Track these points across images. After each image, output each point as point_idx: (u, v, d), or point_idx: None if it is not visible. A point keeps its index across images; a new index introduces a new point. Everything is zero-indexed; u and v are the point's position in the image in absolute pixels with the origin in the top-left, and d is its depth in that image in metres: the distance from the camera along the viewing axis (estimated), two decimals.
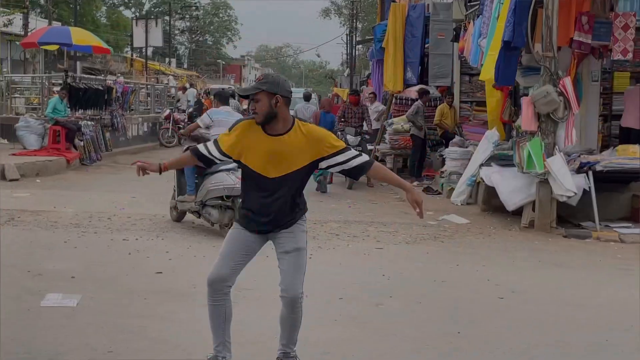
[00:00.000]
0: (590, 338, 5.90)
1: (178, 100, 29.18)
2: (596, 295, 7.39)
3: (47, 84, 20.75)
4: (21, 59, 34.19)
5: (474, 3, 13.75)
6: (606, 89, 14.58)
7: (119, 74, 30.21)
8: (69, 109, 17.57)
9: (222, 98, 10.69)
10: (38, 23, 35.26)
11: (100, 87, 19.13)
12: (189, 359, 5.02)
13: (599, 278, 8.18)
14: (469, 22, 13.95)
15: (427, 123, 16.18)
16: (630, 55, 11.56)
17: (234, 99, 18.79)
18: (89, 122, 17.78)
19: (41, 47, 22.21)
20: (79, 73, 29.60)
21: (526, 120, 10.63)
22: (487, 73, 11.55)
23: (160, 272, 7.37)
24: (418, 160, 16.08)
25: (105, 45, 19.99)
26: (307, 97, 19.86)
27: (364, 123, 16.03)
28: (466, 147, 14.18)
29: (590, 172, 10.64)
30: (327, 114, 15.80)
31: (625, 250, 9.53)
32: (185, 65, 69.19)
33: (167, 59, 57.08)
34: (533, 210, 10.74)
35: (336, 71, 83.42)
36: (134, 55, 47.30)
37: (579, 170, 10.74)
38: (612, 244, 9.85)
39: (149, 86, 28.71)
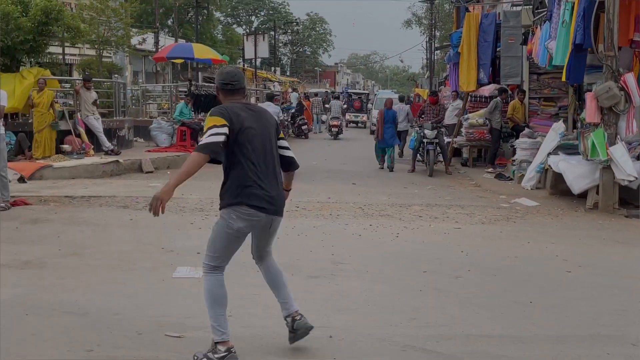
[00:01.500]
0: None
1: (283, 103, 29.51)
2: None
3: (174, 91, 21.36)
4: (153, 71, 35.34)
5: (541, 10, 13.31)
6: None
7: None
8: (192, 112, 18.03)
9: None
10: (167, 40, 36.29)
11: (212, 93, 19.52)
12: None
13: None
14: (537, 27, 13.52)
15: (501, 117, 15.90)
16: None
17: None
18: None
19: (169, 60, 22.84)
20: (200, 82, 30.33)
21: (590, 113, 10.23)
22: (565, 73, 11.16)
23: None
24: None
25: (221, 57, 20.39)
26: (270, 98, 20.65)
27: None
28: (535, 138, 13.75)
29: None
30: (389, 111, 16.66)
31: None
32: (288, 73, 69.87)
33: (272, 68, 57.78)
34: (597, 193, 10.33)
35: (417, 74, 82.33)
36: (245, 66, 48.05)
37: (639, 157, 10.27)
38: None
39: (257, 91, 29.12)
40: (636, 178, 9.88)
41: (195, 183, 12.65)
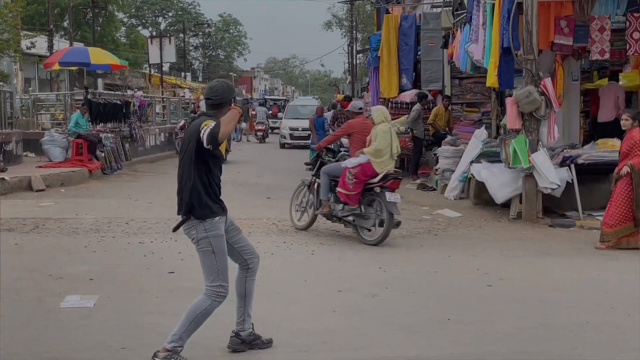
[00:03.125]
0: (573, 320, 5.86)
1: (192, 112, 29.21)
2: (579, 280, 7.34)
3: (69, 100, 20.79)
4: (47, 78, 34.30)
5: (461, 12, 13.70)
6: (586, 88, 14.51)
7: (137, 89, 30.20)
8: (89, 123, 17.58)
9: None
10: (62, 44, 35.35)
11: (119, 102, 19.11)
12: (199, 353, 4.97)
13: (581, 264, 8.12)
14: (457, 30, 13.90)
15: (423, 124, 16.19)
16: (607, 55, 11.48)
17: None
18: (109, 134, 17.76)
19: (62, 67, 22.22)
20: (100, 89, 29.65)
21: (511, 119, 10.59)
22: (491, 78, 11.44)
23: (173, 272, 7.34)
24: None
25: (121, 62, 20.00)
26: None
27: None
28: (457, 146, 14.11)
29: (572, 165, 10.63)
30: (319, 118, 18.17)
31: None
32: (200, 79, 69.29)
33: (182, 74, 57.15)
34: (520, 202, 10.69)
35: (339, 79, 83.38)
36: (152, 71, 47.36)
37: (562, 164, 10.72)
38: (595, 231, 9.74)
39: (164, 99, 28.72)
40: (559, 186, 10.28)
41: (91, 202, 12.41)
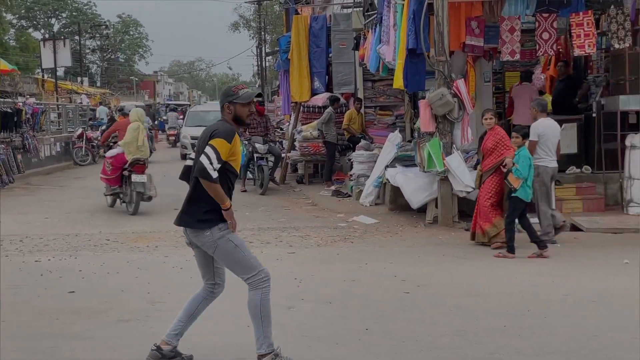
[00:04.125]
0: (491, 324, 6.05)
1: (90, 119, 28.56)
2: (495, 284, 7.59)
3: None
4: None
5: (372, 13, 13.93)
6: (498, 89, 15.03)
7: (29, 96, 29.17)
8: None
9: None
10: None
11: (9, 110, 18.45)
12: None
13: (498, 267, 8.39)
14: (368, 31, 14.13)
15: (337, 128, 16.37)
16: (517, 56, 11.91)
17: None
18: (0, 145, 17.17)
19: None
20: None
21: (425, 122, 10.86)
22: (399, 81, 11.68)
23: (73, 292, 7.16)
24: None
25: (10, 66, 19.38)
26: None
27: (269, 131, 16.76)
28: (372, 150, 14.34)
29: None
30: None
31: (521, 240, 9.77)
32: (98, 84, 67.68)
33: (79, 78, 55.67)
34: (436, 207, 10.95)
35: (249, 83, 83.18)
36: (46, 76, 45.95)
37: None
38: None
39: (60, 106, 27.91)
40: (474, 189, 10.56)
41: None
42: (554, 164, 9.61)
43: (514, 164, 8.78)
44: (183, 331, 5.12)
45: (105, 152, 13.46)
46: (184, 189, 5.18)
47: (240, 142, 5.03)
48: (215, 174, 4.75)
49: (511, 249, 8.84)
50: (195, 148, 5.09)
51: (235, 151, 4.90)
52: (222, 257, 4.97)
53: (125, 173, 12.38)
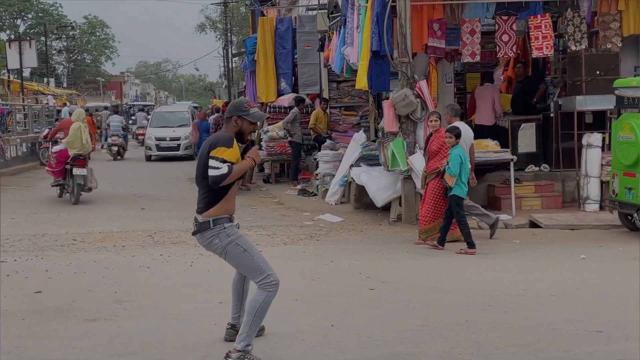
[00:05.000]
0: (453, 319, 6.11)
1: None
2: (457, 280, 7.67)
3: None
4: None
5: (336, 15, 13.98)
6: (460, 89, 15.18)
7: None
8: None
9: None
10: None
11: None
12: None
13: (460, 263, 8.48)
14: (333, 33, 14.19)
15: (302, 128, 16.40)
16: (477, 58, 12.04)
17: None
18: None
19: None
20: None
21: (388, 122, 10.94)
22: (362, 82, 11.72)
23: (40, 292, 7.07)
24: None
25: None
26: (115, 111, 22.37)
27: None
28: (337, 150, 14.40)
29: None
30: (202, 122, 19.76)
31: (482, 236, 9.90)
32: (65, 84, 66.81)
33: (45, 79, 54.90)
34: (400, 205, 11.04)
35: (215, 83, 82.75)
36: (11, 77, 45.24)
37: None
38: (472, 231, 10.21)
39: (26, 107, 27.51)
40: None
41: None
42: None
43: (447, 162, 8.92)
44: (242, 309, 5.43)
45: (51, 147, 14.55)
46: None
47: (238, 147, 5.16)
48: (225, 169, 4.90)
49: (471, 245, 8.93)
50: (196, 159, 5.32)
51: (234, 155, 5.03)
52: (233, 261, 5.19)
53: (68, 167, 13.49)
